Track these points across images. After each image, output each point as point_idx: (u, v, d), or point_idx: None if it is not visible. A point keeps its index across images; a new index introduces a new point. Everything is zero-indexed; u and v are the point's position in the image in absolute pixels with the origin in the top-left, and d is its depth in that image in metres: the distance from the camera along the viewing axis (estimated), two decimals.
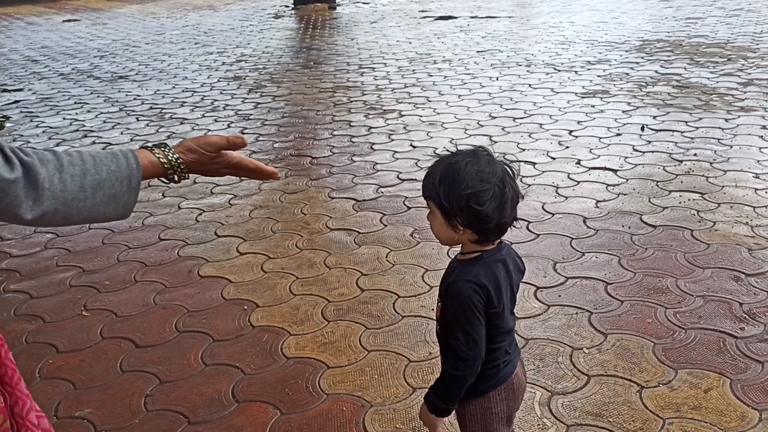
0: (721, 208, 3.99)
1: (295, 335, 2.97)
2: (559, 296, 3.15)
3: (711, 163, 4.72)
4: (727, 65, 7.67)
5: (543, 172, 4.78)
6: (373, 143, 5.73)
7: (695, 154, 4.92)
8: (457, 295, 1.58)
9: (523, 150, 5.25)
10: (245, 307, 3.23)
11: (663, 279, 3.24)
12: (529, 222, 3.97)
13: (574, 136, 5.56)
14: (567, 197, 4.32)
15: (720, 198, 4.14)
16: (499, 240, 1.69)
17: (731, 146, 5.05)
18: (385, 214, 4.24)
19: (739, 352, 2.67)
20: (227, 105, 7.31)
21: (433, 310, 3.10)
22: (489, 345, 1.64)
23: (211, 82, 8.50)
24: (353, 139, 5.89)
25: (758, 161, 4.70)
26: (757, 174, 4.47)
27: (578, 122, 5.91)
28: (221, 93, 7.89)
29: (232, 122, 6.61)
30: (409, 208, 4.31)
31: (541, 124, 5.91)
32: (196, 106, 7.30)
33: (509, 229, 1.66)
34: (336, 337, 2.94)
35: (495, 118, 6.24)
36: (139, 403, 2.58)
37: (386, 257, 3.66)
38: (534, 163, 4.94)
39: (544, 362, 2.68)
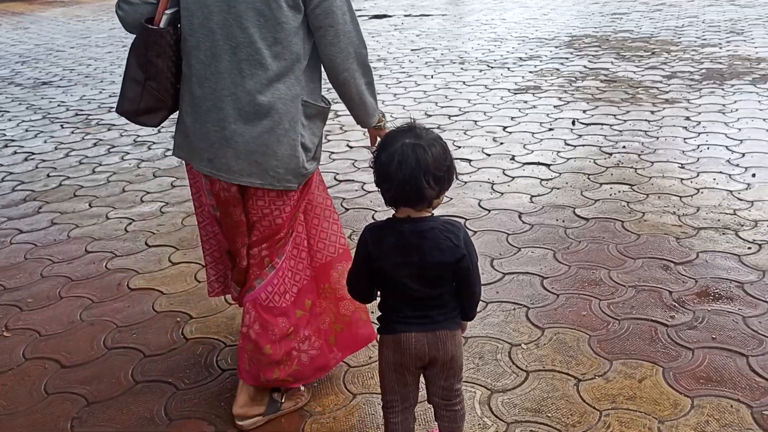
0: (650, 199, 4.09)
1: (231, 346, 2.89)
2: (497, 293, 3.17)
3: (639, 155, 4.84)
4: (651, 59, 7.91)
5: (479, 169, 4.81)
6: None
7: (624, 147, 5.04)
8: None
9: (459, 147, 5.27)
10: (178, 319, 3.13)
11: (596, 271, 3.30)
12: (466, 219, 3.98)
13: (508, 132, 5.62)
14: (502, 193, 4.36)
15: (648, 189, 4.25)
16: (409, 215, 1.83)
17: (657, 138, 5.19)
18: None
19: (671, 340, 2.73)
20: None
21: (372, 312, 3.06)
22: (382, 295, 1.94)
23: None
24: None
25: (683, 152, 4.85)
26: (682, 164, 4.61)
27: (512, 118, 5.98)
28: None
29: (163, 127, 6.43)
30: (347, 209, 4.27)
31: (476, 121, 5.96)
32: None
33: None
34: None
35: (431, 116, 6.26)
36: (66, 426, 2.46)
37: None
38: (470, 161, 4.97)
39: (484, 360, 2.68)
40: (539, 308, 3.02)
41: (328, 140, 5.73)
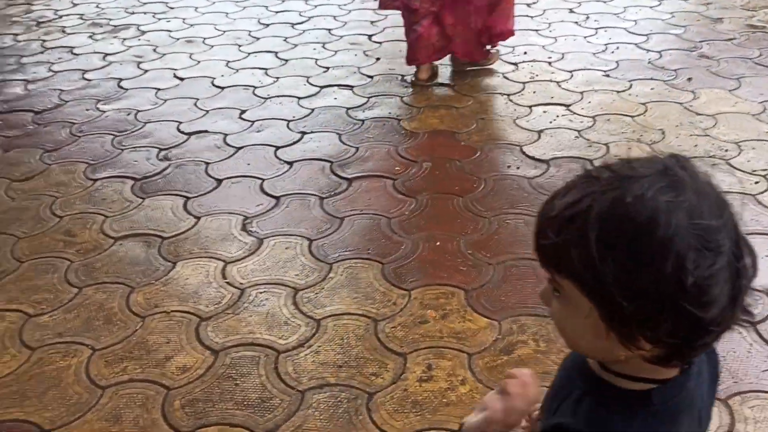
0: (599, 124, 3.35)
1: None
2: None
3: (549, 63, 4.07)
4: None
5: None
6: (120, 79, 4.13)
7: (525, 53, 4.23)
8: None
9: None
10: None
11: None
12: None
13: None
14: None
15: (589, 109, 3.50)
16: None
17: (555, 39, 4.44)
18: (187, 197, 2.91)
19: None
20: None
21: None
22: None
23: None
24: (87, 75, 4.22)
25: (594, 54, 4.15)
26: (606, 72, 3.91)
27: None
28: None
29: None
30: (218, 180, 3.02)
31: (329, 30, 4.78)
32: None
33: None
34: None
35: (268, 25, 4.94)
36: None
37: (222, 274, 2.42)
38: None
39: None
40: None
41: (144, 70, 4.24)
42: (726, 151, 3.05)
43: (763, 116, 3.34)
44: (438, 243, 2.52)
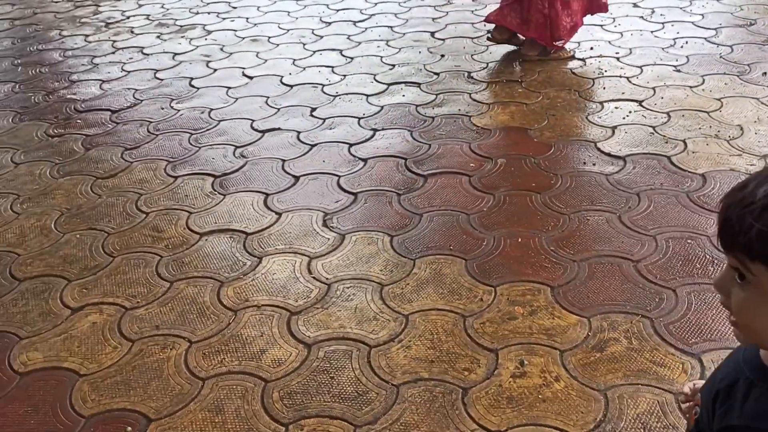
0: (675, 120, 3.31)
1: None
2: None
3: (618, 58, 4.03)
4: None
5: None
6: (191, 78, 4.23)
7: (592, 48, 4.21)
8: None
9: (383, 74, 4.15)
10: (128, 428, 1.91)
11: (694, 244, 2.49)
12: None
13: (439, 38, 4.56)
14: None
15: (662, 104, 3.46)
16: None
17: (621, 33, 4.40)
18: (267, 193, 2.97)
19: None
20: None
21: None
22: None
23: None
24: (159, 75, 4.33)
25: (663, 49, 4.10)
26: (676, 67, 3.86)
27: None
28: None
29: None
30: (296, 177, 3.08)
31: (391, 27, 4.81)
32: None
33: None
34: None
35: (330, 23, 5.00)
36: None
37: (309, 270, 2.48)
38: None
39: None
40: None
41: (213, 69, 4.33)
42: None
43: None
44: (520, 239, 2.53)
